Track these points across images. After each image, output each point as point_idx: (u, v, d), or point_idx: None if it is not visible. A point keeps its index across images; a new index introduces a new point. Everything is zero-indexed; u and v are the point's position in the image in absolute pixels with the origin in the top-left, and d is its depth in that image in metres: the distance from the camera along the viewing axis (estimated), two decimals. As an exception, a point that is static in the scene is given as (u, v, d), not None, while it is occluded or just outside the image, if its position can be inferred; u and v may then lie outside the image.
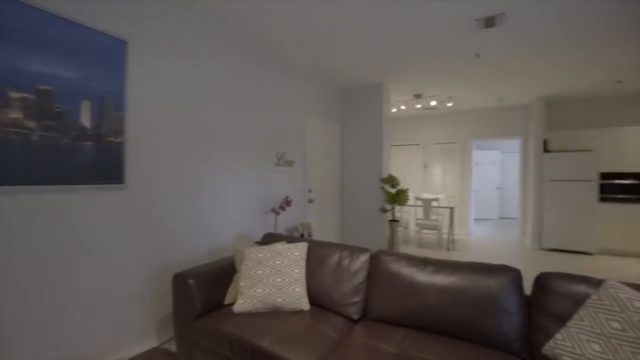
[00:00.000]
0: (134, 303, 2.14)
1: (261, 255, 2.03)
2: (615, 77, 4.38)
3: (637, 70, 4.01)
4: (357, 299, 1.89)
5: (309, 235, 3.71)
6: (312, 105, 4.15)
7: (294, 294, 1.90)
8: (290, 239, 2.36)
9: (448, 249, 5.28)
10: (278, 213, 3.16)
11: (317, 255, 2.11)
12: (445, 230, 5.64)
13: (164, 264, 2.32)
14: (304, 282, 1.97)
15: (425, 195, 5.55)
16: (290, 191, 3.65)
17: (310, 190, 4.09)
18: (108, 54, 1.91)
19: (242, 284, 1.94)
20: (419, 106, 5.41)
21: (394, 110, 5.52)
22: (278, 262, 1.99)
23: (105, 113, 1.91)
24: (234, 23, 2.82)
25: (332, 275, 1.99)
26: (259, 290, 1.88)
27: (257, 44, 3.16)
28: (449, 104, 5.30)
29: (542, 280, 1.56)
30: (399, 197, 4.62)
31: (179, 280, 1.91)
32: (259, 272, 1.95)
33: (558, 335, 1.36)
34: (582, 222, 4.94)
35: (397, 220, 4.73)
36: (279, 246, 2.09)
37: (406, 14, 2.69)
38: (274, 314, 1.84)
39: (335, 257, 2.06)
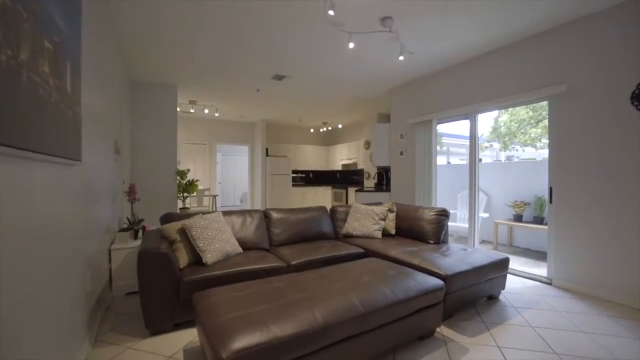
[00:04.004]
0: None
1: (202, 222, 2.69)
2: (298, 117, 7.99)
3: (309, 115, 7.73)
4: (265, 238, 3.16)
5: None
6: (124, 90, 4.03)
7: (235, 243, 2.82)
8: (192, 214, 3.00)
9: (215, 228, 6.70)
10: (135, 200, 3.24)
11: (230, 220, 3.06)
12: (209, 214, 6.98)
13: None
14: (234, 236, 2.91)
15: (201, 187, 6.57)
16: (119, 182, 3.57)
17: (124, 182, 4.00)
18: None
19: (201, 244, 2.55)
20: (192, 111, 6.33)
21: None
22: (216, 226, 2.77)
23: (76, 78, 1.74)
24: None
25: (247, 229, 3.08)
26: (217, 245, 2.63)
27: None
28: (216, 114, 6.71)
29: (333, 208, 3.79)
30: (191, 187, 5.47)
31: (152, 254, 2.17)
32: (209, 233, 2.66)
33: (345, 225, 3.61)
34: (285, 197, 8.29)
35: (187, 208, 5.51)
36: (209, 216, 2.83)
37: (232, 49, 4.02)
38: (231, 258, 2.69)
39: (241, 219, 3.13)
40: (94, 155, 2.36)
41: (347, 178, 8.97)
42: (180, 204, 5.53)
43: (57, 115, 1.42)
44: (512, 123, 10.94)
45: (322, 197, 8.79)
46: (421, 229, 3.29)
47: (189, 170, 5.41)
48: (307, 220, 3.44)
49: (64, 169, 1.62)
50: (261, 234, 3.15)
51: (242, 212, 3.22)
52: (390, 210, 3.61)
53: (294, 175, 8.81)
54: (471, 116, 3.97)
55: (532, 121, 10.48)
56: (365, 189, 5.25)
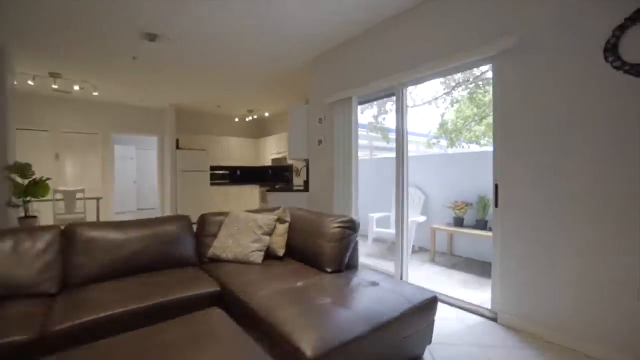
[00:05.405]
0: None
1: None
2: (215, 103, 6.65)
3: (228, 100, 6.43)
4: (53, 274, 1.86)
5: None
6: None
7: None
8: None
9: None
10: None
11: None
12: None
13: None
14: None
15: (67, 188, 4.96)
16: None
17: None
18: None
19: None
20: (55, 87, 4.71)
21: (15, 82, 4.37)
22: None
23: None
24: None
25: (16, 259, 1.76)
26: None
27: None
28: (95, 93, 5.13)
29: (201, 218, 2.59)
30: (37, 189, 3.93)
31: None
32: None
33: (214, 243, 2.42)
34: (202, 198, 6.87)
35: (34, 217, 3.96)
36: None
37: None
38: None
39: (11, 242, 1.81)
40: None
41: (279, 175, 7.79)
42: (21, 212, 3.95)
43: None
44: (458, 120, 10.87)
45: (248, 197, 7.51)
46: (318, 249, 2.20)
47: (30, 165, 3.87)
48: (145, 238, 2.19)
49: None
50: (44, 267, 1.85)
51: (15, 231, 1.90)
52: (280, 221, 2.49)
53: (214, 172, 7.42)
54: (398, 90, 3.00)
55: (477, 118, 10.40)
56: (276, 189, 4.14)
